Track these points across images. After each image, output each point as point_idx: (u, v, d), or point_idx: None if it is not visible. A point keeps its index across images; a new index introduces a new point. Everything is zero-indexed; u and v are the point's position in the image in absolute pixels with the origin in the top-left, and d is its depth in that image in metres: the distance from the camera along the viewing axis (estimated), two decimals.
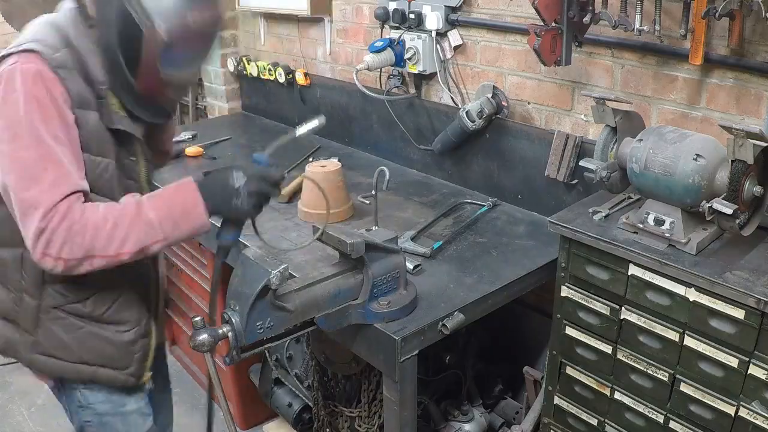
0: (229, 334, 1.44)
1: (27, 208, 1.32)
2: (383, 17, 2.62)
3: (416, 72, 2.56)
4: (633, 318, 1.61)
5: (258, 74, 3.41)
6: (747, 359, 1.42)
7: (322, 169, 2.22)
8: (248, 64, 3.47)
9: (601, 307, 1.67)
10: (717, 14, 1.59)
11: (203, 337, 1.42)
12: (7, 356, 1.59)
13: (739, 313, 1.40)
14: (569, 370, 1.80)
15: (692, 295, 1.48)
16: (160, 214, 1.40)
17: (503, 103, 2.33)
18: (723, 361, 1.45)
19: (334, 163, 2.28)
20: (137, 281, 1.61)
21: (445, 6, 2.42)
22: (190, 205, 1.42)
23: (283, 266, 1.43)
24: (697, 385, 1.52)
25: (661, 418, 1.61)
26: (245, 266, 1.48)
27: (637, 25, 1.79)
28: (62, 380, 1.61)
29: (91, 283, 1.50)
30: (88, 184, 1.40)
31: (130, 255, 1.38)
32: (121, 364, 1.60)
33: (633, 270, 1.58)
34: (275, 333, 1.51)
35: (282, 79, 3.28)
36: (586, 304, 1.70)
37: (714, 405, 1.49)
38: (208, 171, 1.53)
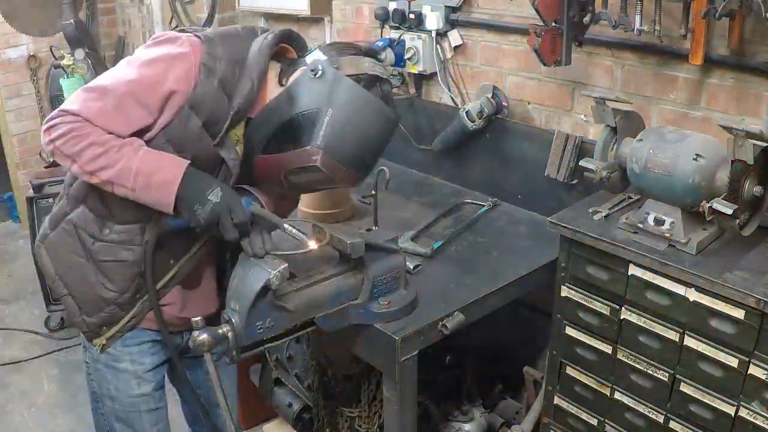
0: (229, 334, 1.44)
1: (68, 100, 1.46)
2: (383, 17, 2.62)
3: (416, 72, 2.56)
4: (633, 318, 1.61)
5: None
6: (747, 359, 1.42)
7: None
8: None
9: (601, 307, 1.67)
10: (717, 14, 1.59)
11: (203, 337, 1.42)
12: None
13: (739, 313, 1.40)
14: (569, 370, 1.80)
15: (692, 295, 1.48)
16: (142, 169, 1.44)
17: (503, 103, 2.33)
18: (723, 361, 1.45)
19: None
20: (148, 268, 1.59)
21: (445, 6, 2.42)
22: (169, 180, 1.45)
23: (282, 266, 1.43)
24: (697, 385, 1.52)
25: (661, 418, 1.61)
26: (244, 266, 1.48)
27: (637, 25, 1.79)
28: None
29: (110, 239, 1.57)
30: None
31: (100, 181, 1.46)
32: (87, 308, 1.63)
33: (633, 270, 1.58)
34: (275, 333, 1.50)
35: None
36: (586, 304, 1.70)
37: (714, 405, 1.49)
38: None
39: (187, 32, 1.49)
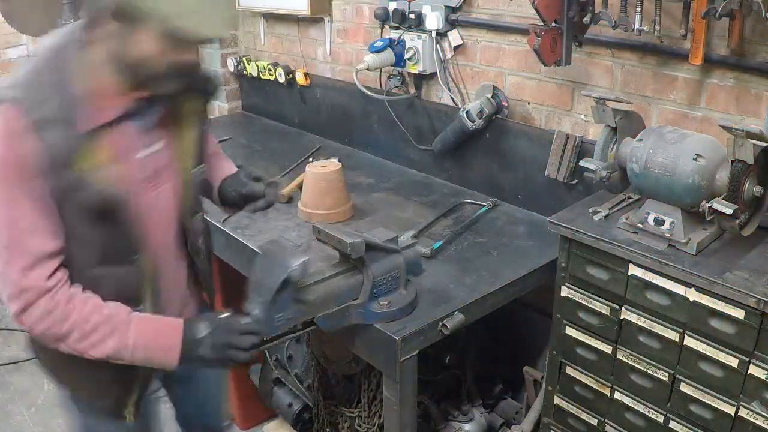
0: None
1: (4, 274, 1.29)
2: (383, 17, 2.62)
3: (416, 72, 2.56)
4: (633, 318, 1.61)
5: (258, 74, 3.40)
6: (747, 359, 1.42)
7: (322, 169, 2.22)
8: (248, 64, 3.47)
9: (601, 307, 1.67)
10: (717, 14, 1.59)
11: None
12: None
13: (739, 313, 1.40)
14: (569, 370, 1.80)
15: (692, 295, 1.48)
16: (139, 343, 1.37)
17: (503, 103, 2.33)
18: (723, 361, 1.45)
19: (334, 163, 2.29)
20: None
21: (445, 6, 2.42)
22: (170, 346, 1.40)
23: (304, 258, 1.45)
24: (697, 385, 1.52)
25: (661, 418, 1.61)
26: (266, 259, 1.50)
27: (637, 25, 1.79)
28: None
29: None
30: (75, 237, 1.33)
31: (94, 358, 1.37)
32: (96, 394, 1.56)
33: (633, 270, 1.58)
34: (294, 325, 1.53)
35: (282, 79, 3.28)
36: (586, 304, 1.70)
37: (714, 405, 1.49)
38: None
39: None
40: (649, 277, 1.55)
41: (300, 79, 3.21)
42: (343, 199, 2.24)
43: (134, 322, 1.38)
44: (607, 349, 1.69)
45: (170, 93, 1.35)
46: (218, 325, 1.42)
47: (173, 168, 1.48)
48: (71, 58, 1.29)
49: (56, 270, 1.31)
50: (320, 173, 2.19)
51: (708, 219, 1.49)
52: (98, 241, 1.37)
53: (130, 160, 1.38)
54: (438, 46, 2.50)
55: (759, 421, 1.42)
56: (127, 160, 1.36)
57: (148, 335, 1.39)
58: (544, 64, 1.97)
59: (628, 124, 1.72)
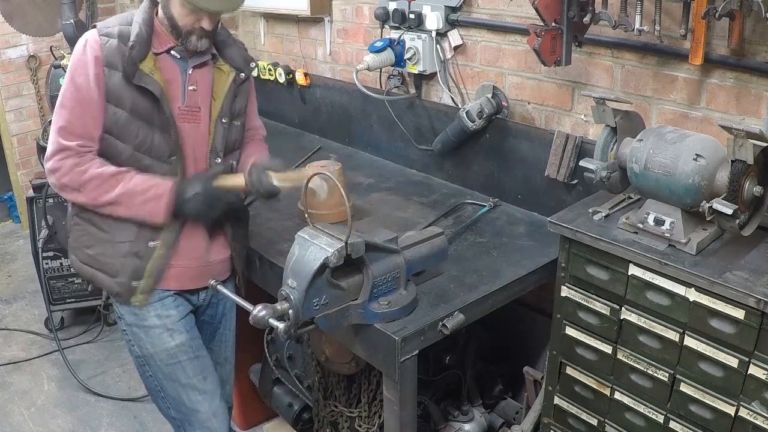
0: (290, 311, 1.51)
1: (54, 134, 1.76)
2: (383, 17, 2.62)
3: (416, 72, 2.56)
4: (633, 318, 1.61)
5: (258, 74, 3.40)
6: (747, 359, 1.42)
7: (323, 169, 2.21)
8: None
9: (601, 307, 1.67)
10: (717, 14, 1.59)
11: (263, 313, 1.49)
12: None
13: (739, 313, 1.40)
14: (569, 370, 1.80)
15: (692, 295, 1.48)
16: (136, 189, 1.77)
17: (503, 103, 2.33)
18: (723, 361, 1.45)
19: (334, 163, 2.28)
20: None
21: (445, 6, 2.42)
22: (160, 194, 1.78)
23: (340, 245, 1.50)
24: (697, 385, 1.52)
25: (661, 418, 1.61)
26: (302, 246, 1.55)
27: (637, 25, 1.79)
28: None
29: None
30: (105, 127, 1.76)
31: (102, 204, 1.77)
32: (112, 270, 1.84)
33: (633, 270, 1.58)
34: (329, 310, 1.57)
35: (282, 79, 3.28)
36: (586, 304, 1.70)
37: (714, 405, 1.49)
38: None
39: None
40: (649, 277, 1.55)
41: (300, 79, 3.21)
42: (341, 200, 2.23)
43: (135, 177, 1.77)
44: (607, 349, 1.69)
45: (194, 49, 1.80)
46: (206, 189, 1.80)
47: (205, 113, 1.87)
48: (147, 8, 1.81)
49: (90, 147, 1.76)
50: (319, 174, 2.18)
51: (708, 219, 1.49)
52: (143, 135, 1.78)
53: (173, 84, 1.81)
54: (438, 46, 2.50)
55: (759, 421, 1.42)
56: (170, 83, 1.81)
57: (144, 183, 1.77)
58: (544, 64, 1.97)
59: (628, 124, 1.72)
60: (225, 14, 1.84)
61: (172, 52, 1.81)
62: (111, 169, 1.77)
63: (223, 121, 1.90)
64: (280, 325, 1.49)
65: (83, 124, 1.74)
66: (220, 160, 1.90)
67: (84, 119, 1.74)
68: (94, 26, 1.79)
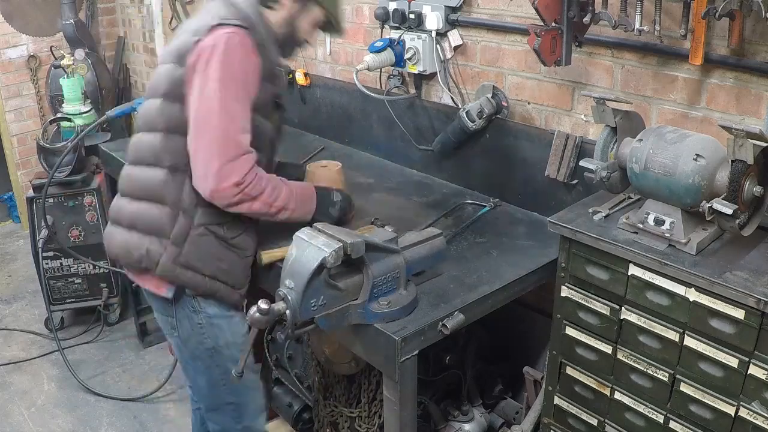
0: (287, 311, 1.50)
1: (219, 147, 1.69)
2: (383, 17, 2.62)
3: (416, 72, 2.56)
4: (633, 318, 1.61)
5: None
6: (747, 359, 1.42)
7: (324, 168, 2.21)
8: None
9: (601, 307, 1.67)
10: (717, 14, 1.59)
11: (259, 314, 1.49)
12: (146, 265, 1.84)
13: (739, 313, 1.40)
14: (569, 370, 1.80)
15: (692, 295, 1.48)
16: (294, 192, 1.88)
17: (503, 103, 2.33)
18: (723, 361, 1.45)
19: (334, 164, 2.28)
20: (255, 219, 1.91)
21: (445, 6, 2.42)
22: (309, 195, 1.94)
23: (338, 246, 1.49)
24: (697, 385, 1.52)
25: (661, 418, 1.61)
26: (300, 246, 1.55)
27: (637, 25, 1.79)
28: (183, 290, 1.87)
29: (231, 217, 1.83)
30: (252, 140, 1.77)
31: (274, 209, 1.82)
32: (239, 283, 1.90)
33: (633, 270, 1.58)
34: (326, 311, 1.56)
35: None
36: (586, 304, 1.70)
37: (714, 405, 1.49)
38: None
39: (225, 25, 1.73)
40: (649, 277, 1.55)
41: (300, 79, 3.21)
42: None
43: (294, 186, 1.89)
44: (607, 349, 1.69)
45: (288, 57, 1.99)
46: (343, 198, 2.04)
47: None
48: (252, 12, 1.81)
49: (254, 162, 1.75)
50: (321, 173, 2.19)
51: (708, 219, 1.49)
52: (268, 141, 1.89)
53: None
54: (438, 46, 2.50)
55: (759, 421, 1.42)
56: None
57: (297, 187, 1.90)
58: (544, 64, 1.97)
59: (628, 124, 1.72)
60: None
61: None
62: (272, 176, 1.83)
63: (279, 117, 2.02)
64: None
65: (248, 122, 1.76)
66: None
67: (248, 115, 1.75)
68: (230, 24, 1.73)
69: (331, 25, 1.96)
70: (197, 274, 1.83)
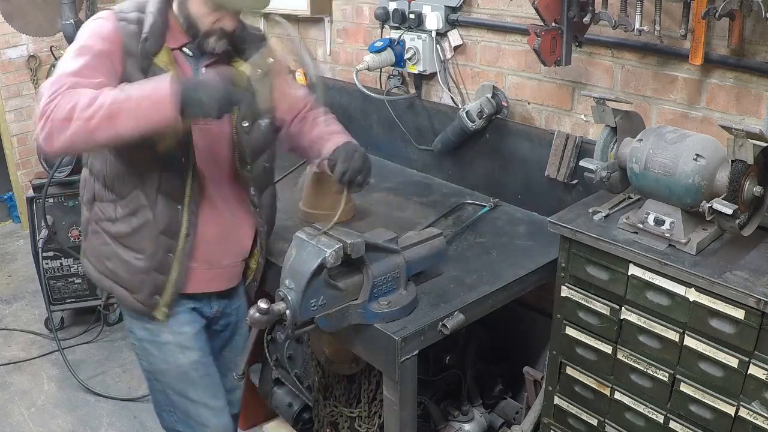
0: (287, 311, 1.50)
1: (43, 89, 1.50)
2: (383, 17, 2.62)
3: (416, 72, 2.56)
4: (633, 318, 1.61)
5: None
6: (747, 359, 1.42)
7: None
8: None
9: (601, 307, 1.67)
10: (717, 14, 1.59)
11: (259, 314, 1.48)
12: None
13: (739, 313, 1.40)
14: (569, 370, 1.80)
15: (692, 295, 1.48)
16: (132, 92, 1.47)
17: (503, 103, 2.33)
18: (723, 361, 1.45)
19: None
20: (162, 221, 1.72)
21: (445, 6, 2.42)
22: (160, 86, 1.47)
23: (338, 246, 1.49)
24: (697, 385, 1.52)
25: (661, 418, 1.61)
26: (300, 246, 1.55)
27: (637, 25, 1.79)
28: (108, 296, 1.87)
29: (121, 207, 1.73)
30: None
31: (100, 123, 1.44)
32: (131, 287, 1.78)
33: (633, 270, 1.58)
34: (326, 311, 1.56)
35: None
36: (586, 304, 1.70)
37: (714, 405, 1.49)
38: None
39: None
40: (649, 277, 1.55)
41: (300, 79, 3.20)
42: (339, 188, 2.19)
43: (125, 84, 1.53)
44: (607, 349, 1.69)
45: (210, 50, 1.68)
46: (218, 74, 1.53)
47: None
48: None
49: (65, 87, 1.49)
50: (320, 173, 2.18)
51: (708, 219, 1.49)
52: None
53: None
54: (438, 46, 2.50)
55: (759, 421, 1.42)
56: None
57: (138, 85, 1.50)
58: (544, 64, 1.97)
59: (628, 124, 1.72)
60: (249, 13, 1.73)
61: (184, 49, 1.69)
62: (97, 88, 1.49)
63: (244, 123, 1.74)
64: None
65: (96, 77, 1.52)
66: (249, 167, 1.79)
67: (97, 74, 1.53)
68: (110, 9, 1.64)
69: (218, 6, 1.62)
70: (95, 269, 1.84)
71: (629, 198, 1.80)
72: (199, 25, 1.64)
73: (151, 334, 1.84)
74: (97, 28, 1.60)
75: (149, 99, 1.45)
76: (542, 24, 1.91)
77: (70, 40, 4.25)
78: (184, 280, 1.77)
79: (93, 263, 1.84)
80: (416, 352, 1.64)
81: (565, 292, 1.75)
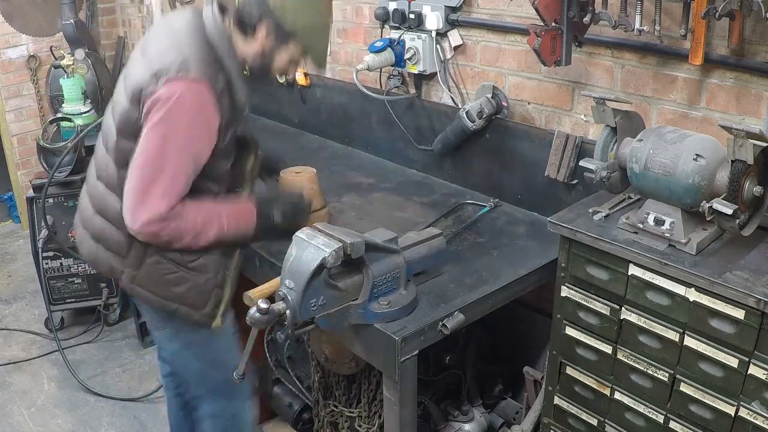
0: (287, 311, 1.50)
1: (141, 196, 1.68)
2: (383, 17, 2.62)
3: (416, 72, 2.56)
4: (633, 318, 1.61)
5: None
6: (747, 359, 1.42)
7: (297, 175, 2.14)
8: None
9: (601, 307, 1.67)
10: (717, 14, 1.59)
11: (259, 314, 1.48)
12: (113, 277, 1.99)
13: (739, 313, 1.40)
14: (569, 370, 1.80)
15: (692, 295, 1.48)
16: (231, 224, 1.81)
17: (503, 103, 2.33)
18: (723, 361, 1.45)
19: (308, 170, 2.17)
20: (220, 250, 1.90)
21: (445, 6, 2.42)
22: (246, 214, 1.85)
23: (338, 246, 1.49)
24: (697, 385, 1.52)
25: (661, 418, 1.61)
26: (300, 246, 1.55)
27: (637, 25, 1.79)
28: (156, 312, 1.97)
29: None
30: (211, 177, 1.80)
31: (201, 247, 1.80)
32: (198, 304, 1.90)
33: (633, 270, 1.58)
34: (326, 311, 1.56)
35: (282, 79, 3.27)
36: (586, 304, 1.70)
37: (714, 405, 1.49)
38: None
39: (180, 80, 1.67)
40: (649, 277, 1.55)
41: (300, 79, 3.20)
42: (317, 204, 2.13)
43: (224, 211, 1.81)
44: (607, 349, 1.69)
45: (260, 88, 2.01)
46: (285, 207, 1.89)
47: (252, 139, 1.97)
48: (221, 43, 1.75)
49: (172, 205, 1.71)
50: (292, 181, 2.14)
51: (708, 219, 1.49)
52: (226, 175, 1.87)
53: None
54: (438, 46, 2.50)
55: (759, 421, 1.42)
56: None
57: (237, 216, 1.83)
58: (544, 64, 1.97)
59: (628, 124, 1.72)
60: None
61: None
62: (199, 208, 1.76)
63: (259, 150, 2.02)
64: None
65: (188, 181, 1.73)
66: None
67: (189, 176, 1.73)
68: (196, 79, 1.67)
69: (311, 60, 1.87)
70: (153, 294, 1.89)
71: (629, 198, 1.80)
72: (274, 68, 1.83)
73: (205, 335, 1.97)
74: (195, 114, 1.68)
75: (243, 238, 1.85)
76: (542, 24, 1.91)
77: (70, 40, 4.27)
78: (234, 290, 1.95)
79: (154, 291, 1.88)
80: (416, 352, 1.64)
81: (565, 292, 1.75)
